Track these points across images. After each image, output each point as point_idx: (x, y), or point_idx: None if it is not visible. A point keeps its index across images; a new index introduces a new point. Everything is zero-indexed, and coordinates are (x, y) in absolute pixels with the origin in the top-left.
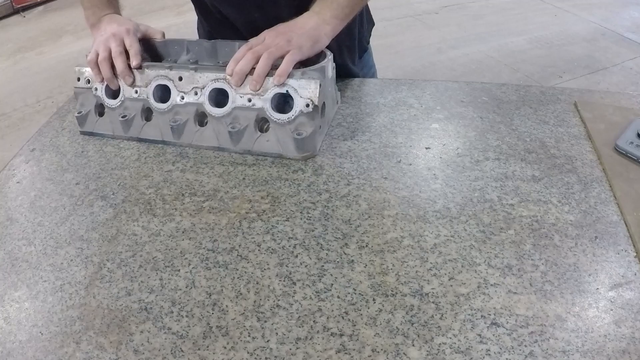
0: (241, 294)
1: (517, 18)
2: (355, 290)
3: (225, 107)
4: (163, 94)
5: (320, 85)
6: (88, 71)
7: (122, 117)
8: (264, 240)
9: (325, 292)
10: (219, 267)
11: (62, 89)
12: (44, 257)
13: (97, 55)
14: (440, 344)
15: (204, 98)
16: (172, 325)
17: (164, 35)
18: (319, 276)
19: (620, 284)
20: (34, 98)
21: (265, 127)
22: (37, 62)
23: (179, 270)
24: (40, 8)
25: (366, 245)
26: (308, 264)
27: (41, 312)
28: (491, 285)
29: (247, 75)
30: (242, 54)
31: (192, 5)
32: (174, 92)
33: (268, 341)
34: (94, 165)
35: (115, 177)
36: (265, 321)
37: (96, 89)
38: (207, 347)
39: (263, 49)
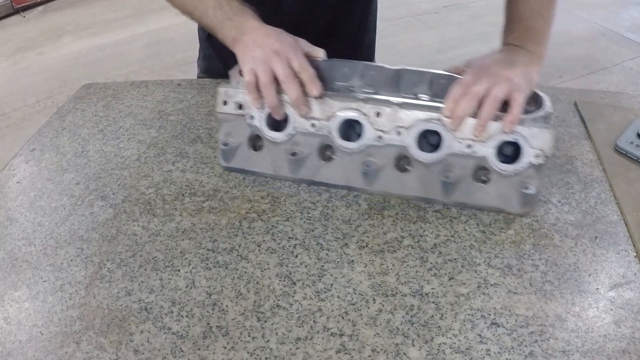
0: (241, 294)
1: None
2: (355, 290)
3: (438, 153)
4: (346, 131)
5: (553, 134)
6: (241, 94)
7: (291, 155)
8: (264, 240)
9: (325, 292)
10: (219, 267)
11: (62, 89)
12: (44, 257)
13: (256, 76)
14: (440, 344)
15: (410, 140)
16: (172, 325)
17: (325, 54)
18: (319, 276)
19: (620, 284)
20: (34, 98)
21: (484, 178)
22: (37, 62)
23: (179, 270)
24: (40, 8)
25: (366, 245)
26: (308, 264)
27: (41, 312)
28: (491, 285)
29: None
30: (460, 93)
31: None
32: (368, 129)
33: (268, 341)
34: (94, 165)
35: (115, 177)
36: (265, 321)
37: (252, 117)
38: (207, 347)
39: (483, 89)
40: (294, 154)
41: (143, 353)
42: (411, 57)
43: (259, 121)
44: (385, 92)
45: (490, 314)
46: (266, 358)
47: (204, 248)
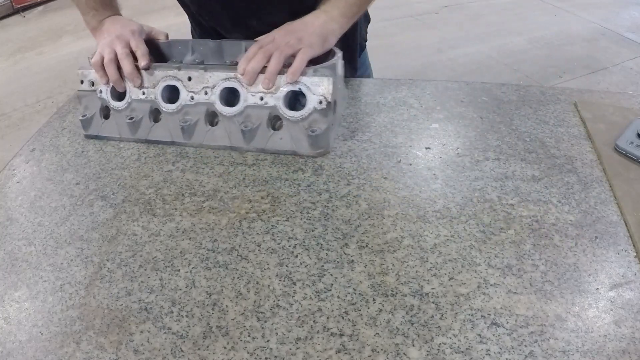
0: (241, 294)
1: (517, 18)
2: (355, 290)
3: (236, 106)
4: (171, 94)
5: (333, 82)
6: (92, 73)
7: (129, 119)
8: (264, 240)
9: (325, 292)
10: (219, 267)
11: (62, 89)
12: (44, 257)
13: (102, 57)
14: (440, 344)
15: (214, 97)
16: (172, 325)
17: (167, 36)
18: (319, 276)
19: (620, 284)
20: (34, 98)
21: (278, 125)
22: (37, 62)
23: (179, 270)
24: (40, 8)
25: (366, 245)
26: (308, 264)
27: (41, 312)
28: (491, 285)
29: (258, 74)
30: (253, 53)
31: None
32: (183, 92)
33: (268, 341)
34: (94, 165)
35: (115, 177)
36: (265, 321)
37: (101, 92)
38: (207, 347)
39: (274, 47)
40: (131, 119)
41: (143, 353)
42: (411, 57)
43: (106, 94)
44: (211, 62)
45: (490, 314)
46: (266, 358)
47: (204, 248)
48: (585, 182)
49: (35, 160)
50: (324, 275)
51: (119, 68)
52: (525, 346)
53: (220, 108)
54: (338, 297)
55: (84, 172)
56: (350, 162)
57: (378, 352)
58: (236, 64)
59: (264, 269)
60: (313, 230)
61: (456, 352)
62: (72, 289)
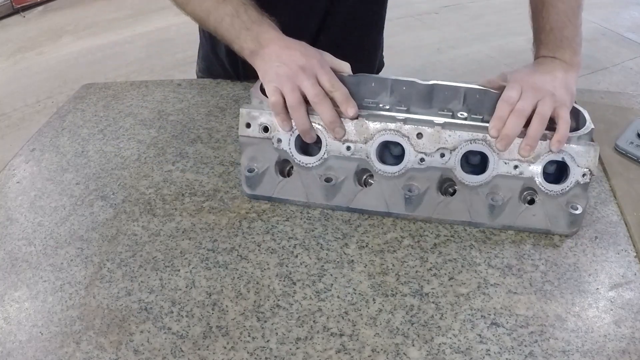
0: (241, 294)
1: (517, 18)
2: (355, 290)
3: (484, 174)
4: (383, 153)
5: (598, 151)
6: (265, 116)
7: (326, 181)
8: (264, 240)
9: (325, 292)
10: (219, 267)
11: (62, 89)
12: (44, 257)
13: (283, 96)
14: (440, 344)
15: (454, 162)
16: (172, 325)
17: (350, 68)
18: (319, 276)
19: (620, 284)
20: (34, 98)
21: (530, 199)
22: (37, 62)
23: (179, 270)
24: (40, 8)
25: (366, 245)
26: (308, 264)
27: (41, 312)
28: (491, 285)
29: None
30: (506, 112)
31: None
32: (410, 152)
33: (268, 341)
34: (94, 165)
35: (115, 177)
36: (265, 321)
37: (279, 141)
38: (207, 347)
39: (529, 106)
40: (328, 180)
41: (143, 353)
42: (411, 57)
43: (288, 145)
44: (417, 109)
45: (490, 314)
46: (266, 358)
47: (204, 248)
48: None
49: (35, 160)
50: (324, 275)
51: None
52: (525, 346)
53: (462, 176)
54: (338, 297)
55: (84, 172)
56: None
57: (378, 352)
58: (446, 111)
59: (264, 269)
60: (313, 230)
61: (456, 352)
62: (72, 289)
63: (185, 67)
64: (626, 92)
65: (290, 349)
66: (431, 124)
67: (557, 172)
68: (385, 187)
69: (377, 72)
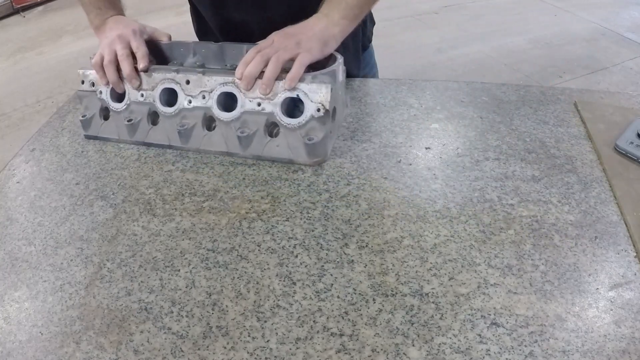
0: (241, 294)
1: (517, 18)
2: (355, 290)
3: (234, 112)
4: (170, 97)
5: (331, 89)
6: (92, 74)
7: (127, 121)
8: (264, 240)
9: (325, 292)
10: (219, 267)
11: (62, 89)
12: (44, 257)
13: (102, 58)
14: (440, 344)
15: (212, 102)
16: (172, 325)
17: (170, 37)
18: (319, 276)
19: (620, 284)
20: (34, 98)
21: (275, 131)
22: (37, 62)
23: (179, 270)
24: (40, 8)
25: (366, 245)
26: (308, 264)
27: (41, 312)
28: (491, 285)
29: (256, 79)
30: (251, 57)
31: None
32: (181, 95)
33: (268, 341)
34: (94, 165)
35: (115, 177)
36: (265, 321)
37: (101, 92)
38: (207, 347)
39: (272, 51)
40: (129, 121)
41: (143, 353)
42: (411, 57)
43: (106, 95)
44: (212, 66)
45: (490, 314)
46: (266, 358)
47: (204, 248)
48: (585, 182)
49: (35, 160)
50: (324, 275)
51: (118, 69)
52: (525, 346)
53: (218, 113)
54: (338, 297)
55: (84, 172)
56: (350, 162)
57: (378, 352)
58: (236, 67)
59: (264, 269)
60: (313, 230)
61: (456, 352)
62: (72, 289)
63: None
64: (626, 92)
65: (290, 349)
66: (195, 72)
67: (298, 109)
68: (168, 125)
69: (363, 47)
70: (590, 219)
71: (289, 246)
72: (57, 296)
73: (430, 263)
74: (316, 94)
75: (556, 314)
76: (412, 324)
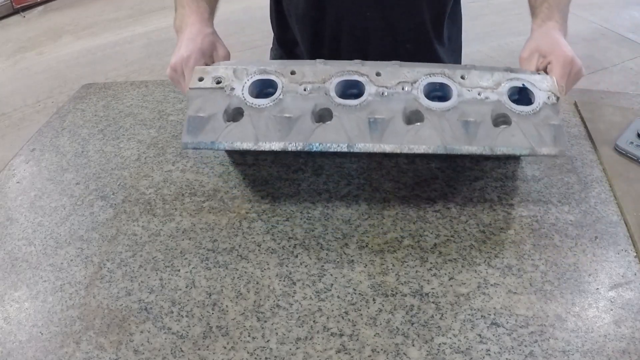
0: (241, 294)
1: (517, 18)
2: (355, 290)
3: (450, 101)
4: (344, 92)
5: (556, 80)
6: (221, 69)
7: (286, 116)
8: (264, 240)
9: (325, 292)
10: (219, 267)
11: (62, 89)
12: (44, 257)
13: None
14: (440, 344)
15: (417, 92)
16: (172, 325)
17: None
18: (319, 276)
19: (620, 284)
20: (34, 98)
21: (502, 121)
22: (37, 62)
23: (179, 270)
24: (40, 8)
25: (366, 245)
26: (308, 264)
27: (41, 312)
28: (491, 285)
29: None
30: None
31: None
32: (369, 86)
33: (268, 341)
34: (94, 165)
35: (115, 177)
36: (265, 321)
37: (232, 89)
38: (207, 347)
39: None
40: (287, 116)
41: (143, 353)
42: None
43: (241, 91)
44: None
45: (490, 314)
46: (266, 358)
47: (204, 248)
48: (585, 182)
49: (35, 160)
50: (324, 275)
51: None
52: (525, 346)
53: (428, 103)
54: (338, 297)
55: (84, 172)
56: (350, 162)
57: (378, 352)
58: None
59: (264, 269)
60: (313, 230)
61: (456, 352)
62: (72, 289)
63: None
64: (626, 92)
65: (290, 349)
66: (392, 64)
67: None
68: (346, 121)
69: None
70: (590, 219)
71: (289, 246)
72: (57, 296)
73: (430, 263)
74: (542, 83)
75: (556, 314)
76: (412, 324)
